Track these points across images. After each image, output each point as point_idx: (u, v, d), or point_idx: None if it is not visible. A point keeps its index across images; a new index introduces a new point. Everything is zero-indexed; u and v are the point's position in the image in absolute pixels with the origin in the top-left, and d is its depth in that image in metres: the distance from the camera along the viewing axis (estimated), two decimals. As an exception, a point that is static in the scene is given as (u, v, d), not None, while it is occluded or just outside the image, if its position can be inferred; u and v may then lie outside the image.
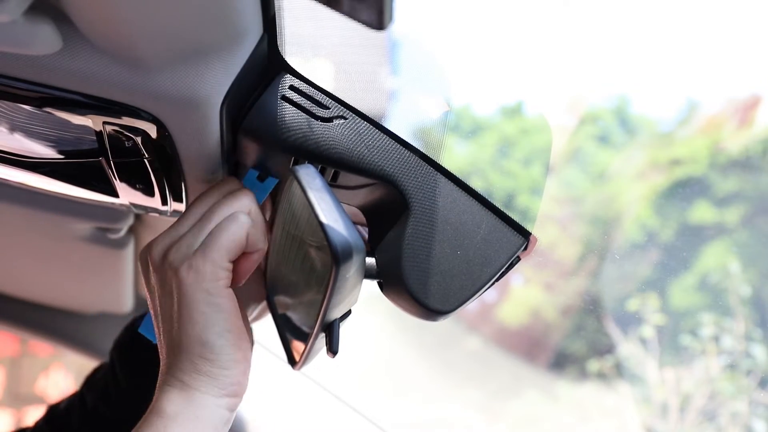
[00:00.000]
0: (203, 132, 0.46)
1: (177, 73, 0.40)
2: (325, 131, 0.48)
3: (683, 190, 2.94)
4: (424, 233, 0.47)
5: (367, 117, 0.49)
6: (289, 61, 0.47)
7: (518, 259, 0.50)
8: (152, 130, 0.45)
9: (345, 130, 0.48)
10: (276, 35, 0.45)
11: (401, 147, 0.49)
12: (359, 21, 0.30)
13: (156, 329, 0.48)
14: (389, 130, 0.49)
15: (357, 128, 0.48)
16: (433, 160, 0.49)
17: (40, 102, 0.43)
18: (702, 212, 2.78)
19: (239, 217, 0.45)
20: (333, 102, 0.48)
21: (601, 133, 3.32)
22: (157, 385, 0.46)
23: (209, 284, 0.44)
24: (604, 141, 3.34)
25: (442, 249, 0.48)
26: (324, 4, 0.30)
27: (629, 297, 2.77)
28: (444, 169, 0.49)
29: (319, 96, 0.48)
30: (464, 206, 0.48)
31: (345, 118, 0.48)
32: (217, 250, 0.44)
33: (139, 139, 0.46)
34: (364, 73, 0.51)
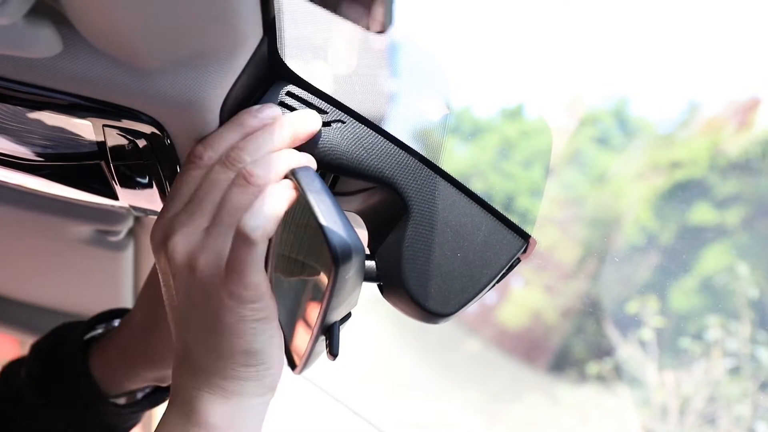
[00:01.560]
0: (203, 134, 0.46)
1: (177, 75, 0.40)
2: (323, 135, 0.48)
3: (683, 192, 2.94)
4: (424, 236, 0.48)
5: (366, 120, 0.49)
6: (288, 65, 0.47)
7: (518, 261, 0.50)
8: (152, 133, 0.45)
9: (343, 134, 0.48)
10: (276, 38, 0.45)
11: (400, 150, 0.49)
12: (359, 24, 0.30)
13: (174, 331, 0.46)
14: (388, 134, 0.49)
15: (355, 132, 0.48)
16: (433, 163, 0.49)
17: (40, 105, 0.43)
18: (702, 214, 2.78)
19: (252, 234, 0.40)
20: (331, 106, 0.48)
21: (601, 135, 3.32)
22: (182, 391, 0.44)
23: (253, 305, 0.42)
24: (604, 143, 3.34)
25: (442, 251, 0.48)
26: (323, 7, 0.30)
27: (629, 299, 2.77)
28: (443, 171, 0.49)
29: (316, 101, 0.48)
30: (464, 209, 0.48)
31: (343, 122, 0.48)
32: (253, 274, 0.41)
33: (139, 142, 0.46)
34: (363, 76, 0.51)
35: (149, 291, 0.59)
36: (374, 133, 0.48)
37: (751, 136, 2.62)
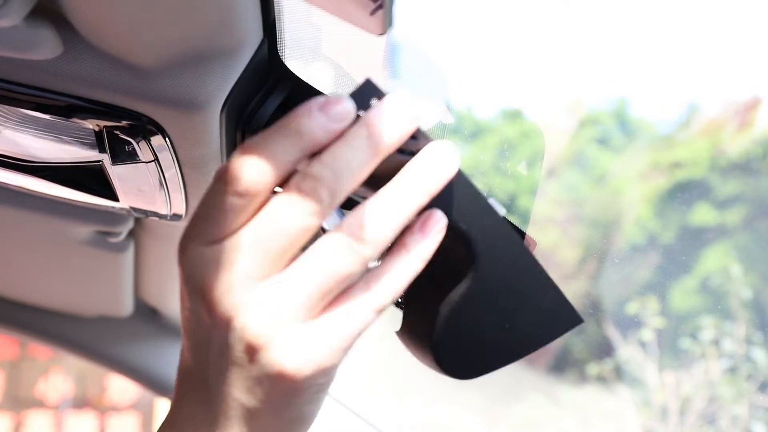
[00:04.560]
0: (203, 136, 0.46)
1: (177, 77, 0.40)
2: None
3: (683, 192, 2.94)
4: (481, 298, 0.37)
5: None
6: (289, 66, 0.47)
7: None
8: (152, 135, 0.45)
9: None
10: (276, 40, 0.45)
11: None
12: (359, 26, 0.30)
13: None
14: None
15: None
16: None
17: (40, 106, 0.43)
18: (702, 215, 2.78)
19: (362, 314, 0.32)
20: None
21: (601, 136, 3.32)
22: None
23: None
24: (604, 144, 3.34)
25: (491, 319, 0.38)
26: (324, 9, 0.30)
27: (629, 300, 2.77)
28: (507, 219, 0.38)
29: None
30: (530, 270, 0.37)
31: None
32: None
33: (139, 144, 0.46)
34: (363, 77, 0.50)
35: None
36: None
37: (752, 136, 2.62)
